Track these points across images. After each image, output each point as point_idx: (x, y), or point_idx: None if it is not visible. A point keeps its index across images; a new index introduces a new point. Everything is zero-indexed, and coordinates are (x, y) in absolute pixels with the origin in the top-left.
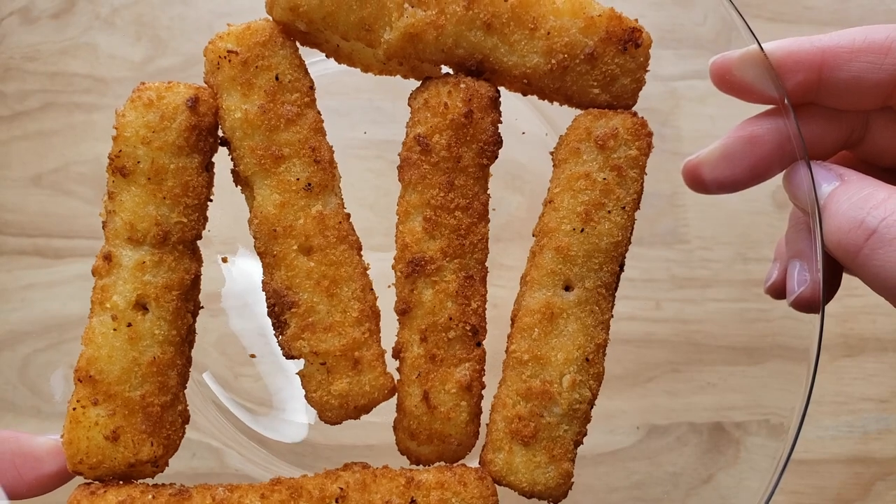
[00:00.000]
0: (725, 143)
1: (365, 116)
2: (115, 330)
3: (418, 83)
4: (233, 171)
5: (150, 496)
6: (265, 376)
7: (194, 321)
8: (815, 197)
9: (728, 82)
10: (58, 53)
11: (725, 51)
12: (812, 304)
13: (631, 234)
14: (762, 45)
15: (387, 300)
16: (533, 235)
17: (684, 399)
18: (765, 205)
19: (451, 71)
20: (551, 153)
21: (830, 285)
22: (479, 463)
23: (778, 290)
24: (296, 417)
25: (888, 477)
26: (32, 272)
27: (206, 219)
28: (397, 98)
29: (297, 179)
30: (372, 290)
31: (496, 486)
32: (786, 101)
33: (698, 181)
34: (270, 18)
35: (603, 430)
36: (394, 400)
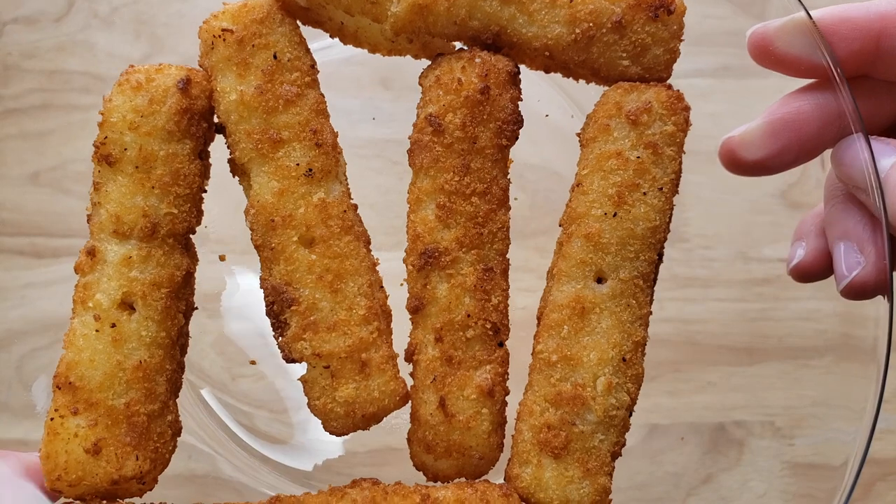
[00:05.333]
0: (769, 121)
1: (365, 115)
2: (97, 331)
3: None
4: (230, 161)
5: None
6: (268, 380)
7: (187, 323)
8: (875, 173)
9: (770, 55)
10: (56, 51)
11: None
12: (867, 290)
13: (670, 219)
14: (809, 12)
15: (398, 300)
16: (560, 226)
17: (685, 399)
18: (766, 203)
19: (465, 47)
20: (578, 134)
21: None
22: (504, 479)
23: (804, 272)
24: (302, 432)
25: (888, 477)
26: (30, 271)
27: (200, 212)
28: (397, 97)
29: (297, 165)
30: (382, 287)
31: None
32: (839, 72)
33: (737, 162)
34: None
35: None
36: (408, 408)
